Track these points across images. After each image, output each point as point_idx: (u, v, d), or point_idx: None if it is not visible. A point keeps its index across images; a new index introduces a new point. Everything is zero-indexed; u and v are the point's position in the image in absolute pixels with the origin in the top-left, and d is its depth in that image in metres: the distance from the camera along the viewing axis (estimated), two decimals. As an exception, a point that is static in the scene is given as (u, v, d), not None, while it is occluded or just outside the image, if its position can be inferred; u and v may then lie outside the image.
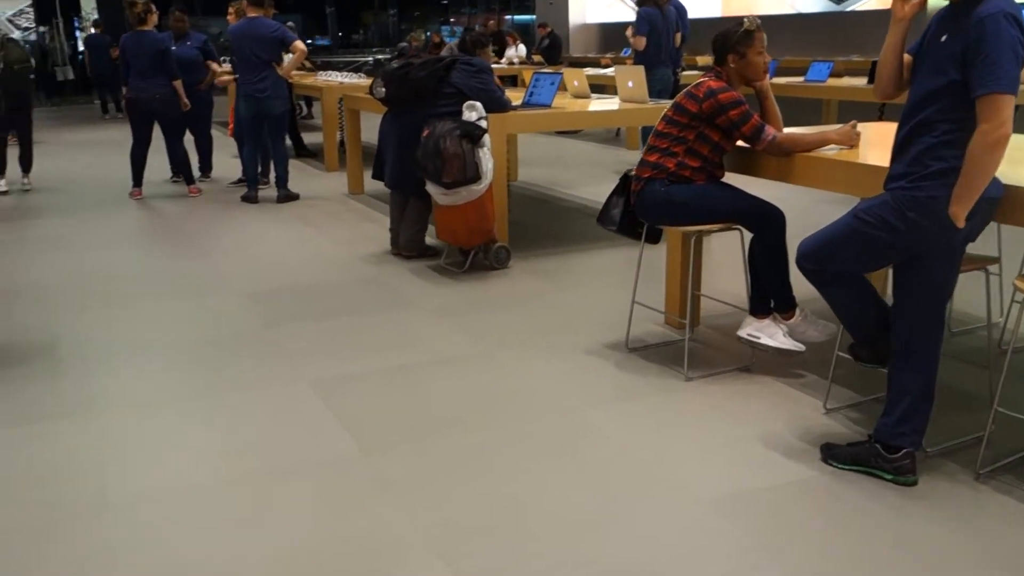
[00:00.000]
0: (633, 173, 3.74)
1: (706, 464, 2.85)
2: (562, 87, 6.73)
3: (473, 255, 5.39)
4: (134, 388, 3.61)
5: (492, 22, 17.03)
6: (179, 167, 8.12)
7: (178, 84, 7.69)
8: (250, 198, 7.64)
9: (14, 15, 24.63)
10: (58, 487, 2.78)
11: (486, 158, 5.06)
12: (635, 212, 3.75)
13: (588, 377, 3.65)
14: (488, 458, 2.92)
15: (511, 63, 14.21)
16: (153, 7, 7.71)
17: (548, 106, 5.79)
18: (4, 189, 8.27)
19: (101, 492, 2.74)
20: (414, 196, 5.46)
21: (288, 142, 10.49)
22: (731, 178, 3.69)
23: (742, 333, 3.60)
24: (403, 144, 5.37)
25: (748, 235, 3.58)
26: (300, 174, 9.11)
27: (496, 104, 5.34)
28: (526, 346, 4.03)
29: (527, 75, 12.43)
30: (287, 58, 7.39)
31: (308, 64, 12.92)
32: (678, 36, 8.68)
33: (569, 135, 12.31)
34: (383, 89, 5.36)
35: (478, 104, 5.15)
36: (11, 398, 3.52)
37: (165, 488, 2.76)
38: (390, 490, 2.72)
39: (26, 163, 8.54)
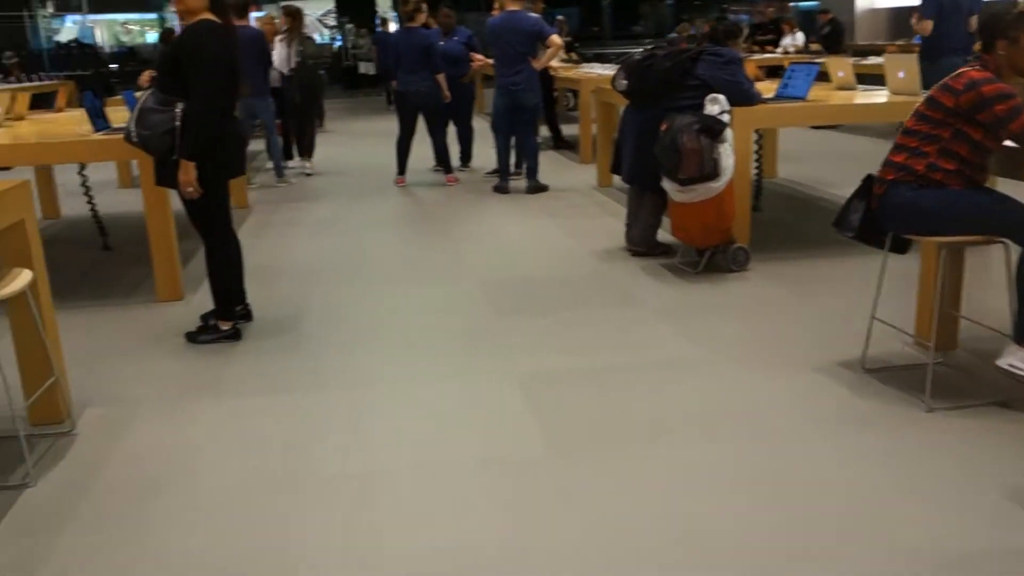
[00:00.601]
0: (876, 175, 3.34)
1: (938, 513, 2.48)
2: (826, 77, 6.25)
3: (709, 255, 5.13)
4: (358, 367, 3.78)
5: (771, 9, 16.24)
6: (440, 157, 8.48)
7: (441, 78, 8.00)
8: (501, 188, 7.81)
9: (322, 15, 27.04)
10: (264, 458, 2.94)
11: (726, 154, 4.78)
12: (877, 218, 3.35)
13: (814, 398, 3.32)
14: (684, 477, 2.73)
15: (786, 52, 13.48)
16: (423, 5, 8.08)
17: (802, 99, 5.37)
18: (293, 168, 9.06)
19: (306, 467, 2.87)
20: (650, 191, 5.29)
21: (547, 133, 10.69)
22: (998, 183, 3.20)
23: (1002, 363, 3.10)
24: (641, 137, 5.21)
25: (1016, 249, 3.08)
26: (554, 165, 9.19)
27: (743, 97, 5.03)
28: (750, 357, 3.75)
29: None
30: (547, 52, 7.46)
31: (574, 56, 13.06)
32: (973, 20, 7.76)
33: (834, 128, 11.49)
34: (624, 81, 5.23)
35: (721, 97, 4.87)
36: (249, 370, 3.80)
37: (358, 470, 2.84)
38: (569, 499, 2.61)
39: (308, 149, 9.32)
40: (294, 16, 9.07)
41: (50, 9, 20.53)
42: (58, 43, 19.98)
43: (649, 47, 5.43)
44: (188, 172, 3.77)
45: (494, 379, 3.61)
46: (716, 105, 4.88)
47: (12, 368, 3.16)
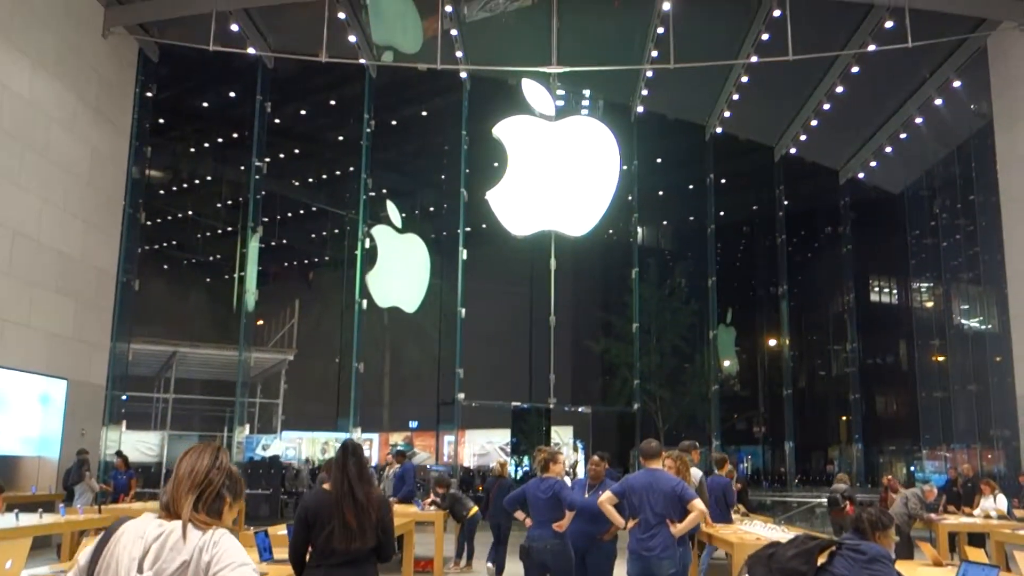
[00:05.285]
0: None
1: None
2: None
3: None
4: None
5: (965, 466, 14.94)
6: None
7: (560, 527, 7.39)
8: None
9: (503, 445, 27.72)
10: None
11: None
12: None
13: None
14: None
15: (987, 516, 12.01)
16: (559, 456, 7.79)
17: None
18: None
19: None
20: None
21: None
22: None
23: None
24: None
25: None
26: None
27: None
28: None
29: (1002, 536, 10.27)
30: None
31: (741, 509, 12.15)
32: None
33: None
34: (747, 574, 4.45)
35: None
36: None
37: None
38: None
39: None
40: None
41: (247, 431, 22.22)
42: (251, 459, 21.23)
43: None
44: None
45: None
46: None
47: None
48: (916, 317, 29.98)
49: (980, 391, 24.69)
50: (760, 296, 30.21)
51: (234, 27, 17.46)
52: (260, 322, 25.24)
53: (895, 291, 35.06)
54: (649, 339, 25.54)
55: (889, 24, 16.63)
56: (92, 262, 16.68)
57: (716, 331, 24.73)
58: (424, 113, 25.15)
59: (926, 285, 29.89)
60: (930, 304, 30.08)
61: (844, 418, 30.92)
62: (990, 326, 23.38)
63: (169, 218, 26.95)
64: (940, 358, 27.38)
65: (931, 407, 26.90)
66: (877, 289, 35.38)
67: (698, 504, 6.79)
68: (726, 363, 27.34)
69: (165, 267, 28.46)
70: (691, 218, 27.48)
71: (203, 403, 25.51)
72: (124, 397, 21.06)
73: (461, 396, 21.84)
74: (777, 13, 16.85)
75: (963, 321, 28.43)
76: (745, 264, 32.55)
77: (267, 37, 19.21)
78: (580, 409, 24.84)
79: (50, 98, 15.18)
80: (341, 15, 17.33)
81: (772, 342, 30.45)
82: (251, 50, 18.33)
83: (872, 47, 17.31)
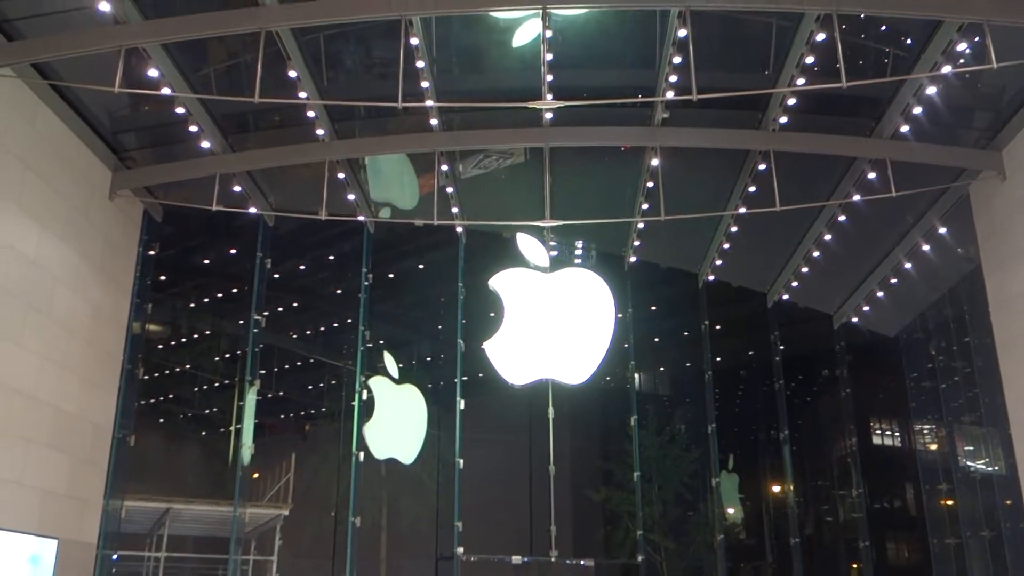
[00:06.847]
0: None
1: None
2: None
3: None
4: None
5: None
6: None
7: None
8: None
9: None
10: None
11: None
12: None
13: None
14: None
15: (1010, 674, 11.46)
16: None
17: None
18: None
19: None
20: None
21: None
22: None
23: None
24: None
25: None
26: None
27: None
28: None
29: None
30: None
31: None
32: None
33: None
34: None
35: None
36: None
37: None
38: None
39: None
40: None
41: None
42: None
43: None
44: None
45: None
46: None
47: None
48: (921, 460, 29.49)
49: (993, 537, 24.07)
50: (761, 441, 29.89)
51: (237, 188, 18.02)
52: (256, 475, 24.83)
53: (897, 434, 34.74)
54: (651, 487, 25.12)
55: (872, 175, 17.19)
56: (88, 418, 16.58)
57: (719, 478, 24.33)
58: (421, 266, 25.63)
59: (928, 427, 29.58)
60: (934, 447, 29.68)
61: (855, 566, 29.97)
62: (997, 468, 22.99)
63: (167, 372, 26.95)
64: (949, 502, 26.80)
65: (944, 555, 26.13)
66: (879, 432, 35.05)
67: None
68: (730, 511, 26.78)
69: (161, 421, 28.23)
70: (688, 364, 27.52)
71: (195, 561, 24.77)
72: (115, 557, 20.46)
73: (460, 551, 21.25)
74: (762, 167, 17.44)
75: (969, 463, 27.95)
76: (744, 409, 32.35)
77: (268, 196, 19.77)
78: (582, 562, 24.12)
79: (56, 259, 15.48)
80: (340, 175, 17.92)
81: (776, 488, 29.91)
82: (252, 209, 18.84)
83: (856, 197, 17.78)
